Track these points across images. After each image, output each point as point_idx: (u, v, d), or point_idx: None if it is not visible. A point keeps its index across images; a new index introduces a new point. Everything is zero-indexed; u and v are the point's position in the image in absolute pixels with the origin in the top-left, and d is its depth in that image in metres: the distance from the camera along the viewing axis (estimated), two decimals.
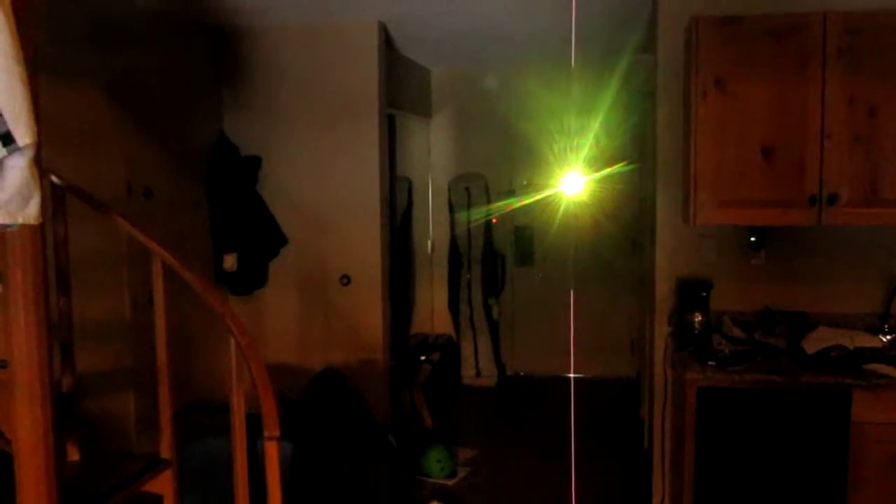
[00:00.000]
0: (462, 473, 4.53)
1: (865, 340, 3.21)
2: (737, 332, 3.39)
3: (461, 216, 6.35)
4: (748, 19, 3.15)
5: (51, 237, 2.75)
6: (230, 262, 4.42)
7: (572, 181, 6.38)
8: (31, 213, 1.66)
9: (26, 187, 1.64)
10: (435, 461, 4.45)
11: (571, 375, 6.37)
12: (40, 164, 1.77)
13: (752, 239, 3.54)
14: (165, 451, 2.76)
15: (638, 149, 5.89)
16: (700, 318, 3.39)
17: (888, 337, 3.34)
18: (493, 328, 6.41)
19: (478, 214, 6.32)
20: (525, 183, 6.43)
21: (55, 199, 2.74)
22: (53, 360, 2.73)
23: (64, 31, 3.34)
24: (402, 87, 5.42)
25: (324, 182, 4.54)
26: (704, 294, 3.45)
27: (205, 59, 4.50)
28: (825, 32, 3.07)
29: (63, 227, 2.77)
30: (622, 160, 6.15)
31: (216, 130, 4.55)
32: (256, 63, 4.55)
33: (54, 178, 2.69)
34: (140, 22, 3.90)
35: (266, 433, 2.36)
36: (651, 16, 4.00)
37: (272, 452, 2.36)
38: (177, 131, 4.21)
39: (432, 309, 6.56)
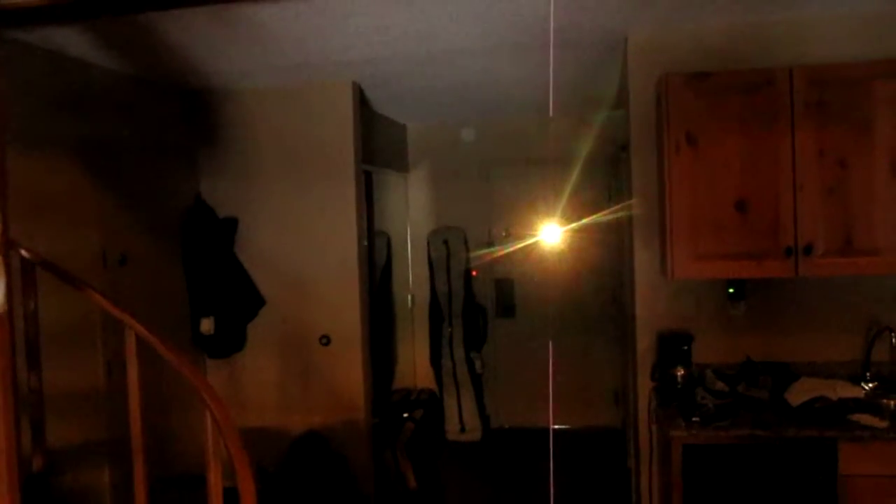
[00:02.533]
0: None
1: (848, 390, 3.20)
2: (720, 386, 3.38)
3: (441, 270, 6.33)
4: (716, 76, 3.19)
5: (20, 311, 2.70)
6: (207, 325, 4.36)
7: (551, 231, 6.40)
8: None
9: None
10: None
11: (550, 428, 6.31)
12: (6, 246, 1.73)
13: (731, 290, 3.55)
14: None
15: (615, 199, 5.92)
16: (682, 373, 3.37)
17: (870, 385, 3.33)
18: (477, 381, 6.34)
19: (457, 267, 6.31)
20: (504, 234, 6.43)
21: (25, 274, 2.70)
22: (23, 438, 2.66)
23: (37, 98, 3.33)
24: (378, 143, 5.44)
25: (301, 241, 4.52)
26: (686, 348, 3.44)
27: (181, 122, 4.50)
28: (792, 87, 3.12)
29: (33, 301, 2.73)
30: (600, 210, 6.18)
31: (193, 193, 4.54)
32: (232, 124, 4.56)
33: (24, 253, 2.66)
34: (115, 87, 3.90)
35: None
36: (622, 73, 4.05)
37: None
38: (153, 195, 4.19)
39: (414, 363, 6.50)
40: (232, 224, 4.51)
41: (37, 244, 2.82)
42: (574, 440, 6.21)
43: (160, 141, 4.30)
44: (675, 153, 3.21)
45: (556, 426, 6.43)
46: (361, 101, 4.67)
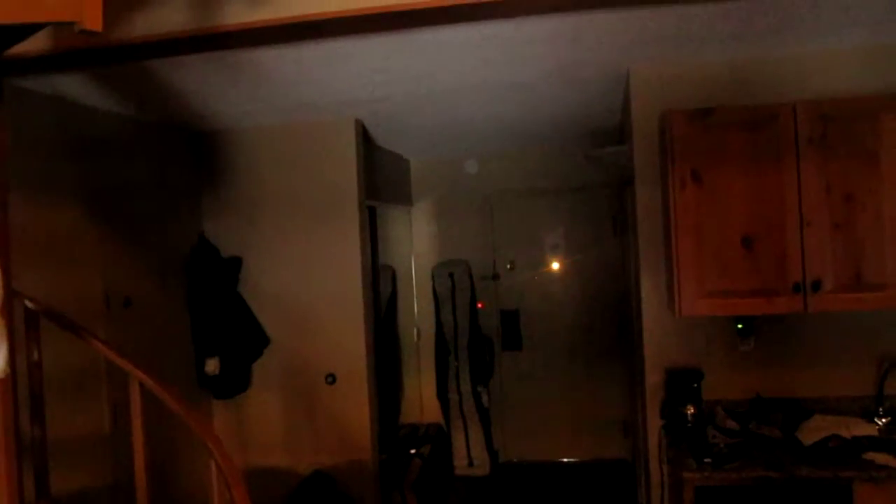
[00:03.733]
0: None
1: (862, 428, 3.15)
2: (731, 424, 3.33)
3: (446, 303, 6.30)
4: (719, 111, 3.19)
5: (24, 361, 2.68)
6: (212, 366, 4.33)
7: (556, 263, 6.39)
8: None
9: None
10: None
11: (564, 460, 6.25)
12: (9, 313, 1.72)
13: (739, 326, 3.51)
14: None
15: (620, 231, 5.91)
16: (693, 411, 3.33)
17: (883, 420, 3.29)
18: (484, 415, 6.29)
19: (462, 300, 6.28)
20: (509, 266, 6.42)
21: (28, 324, 2.68)
22: (27, 489, 2.63)
23: (40, 143, 3.34)
24: (381, 178, 5.45)
25: (306, 279, 4.50)
26: (696, 385, 3.40)
27: (184, 164, 4.51)
28: (796, 122, 3.11)
29: (37, 351, 2.71)
30: (605, 240, 6.18)
31: (196, 233, 4.53)
32: (236, 164, 4.56)
33: (28, 303, 2.64)
34: (118, 130, 3.91)
35: None
36: (624, 107, 4.06)
37: None
38: (156, 237, 4.18)
39: (421, 398, 6.45)
40: (236, 263, 4.50)
41: (40, 289, 2.80)
42: (583, 473, 6.15)
43: (163, 182, 4.30)
44: (680, 189, 3.20)
45: (565, 459, 6.36)
46: (364, 136, 4.68)
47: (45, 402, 2.76)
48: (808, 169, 3.10)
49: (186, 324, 4.37)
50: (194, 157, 4.56)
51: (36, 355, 2.69)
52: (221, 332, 4.36)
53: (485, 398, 6.24)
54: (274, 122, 4.45)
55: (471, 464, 6.27)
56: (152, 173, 4.20)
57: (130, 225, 3.94)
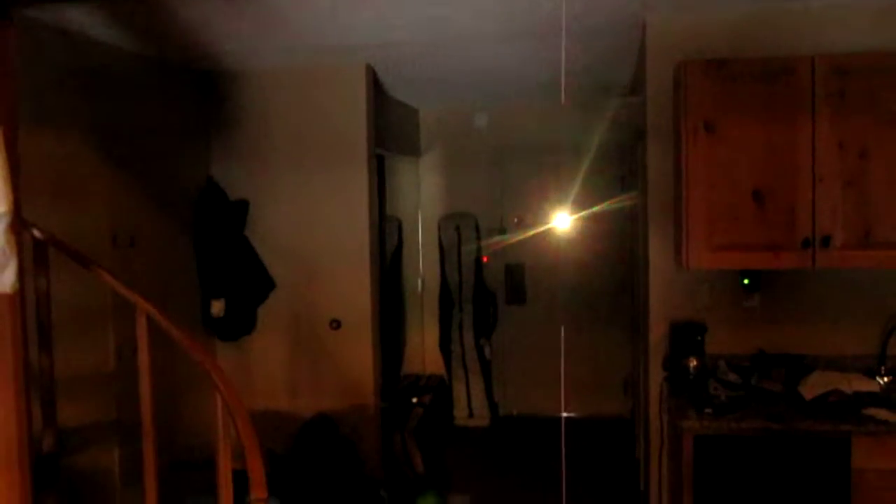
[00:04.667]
0: None
1: (863, 384, 3.16)
2: (732, 377, 3.34)
3: (451, 255, 6.30)
4: (736, 63, 3.14)
5: (32, 291, 2.69)
6: (218, 308, 4.35)
7: (563, 218, 6.37)
8: (6, 282, 1.61)
9: (2, 255, 1.59)
10: None
11: (562, 415, 6.30)
12: (18, 229, 1.72)
13: (746, 282, 3.51)
14: None
15: (630, 187, 5.87)
16: (695, 363, 3.34)
17: (885, 379, 3.30)
18: (486, 368, 6.33)
19: (468, 253, 6.28)
20: (515, 221, 6.40)
21: (37, 254, 2.69)
22: (34, 419, 2.66)
23: (49, 76, 3.31)
24: (390, 127, 5.41)
25: (312, 225, 4.50)
26: (699, 338, 3.41)
27: (192, 104, 4.47)
28: (814, 75, 3.07)
29: (45, 281, 2.72)
30: (614, 198, 6.14)
31: (204, 175, 4.52)
32: (244, 107, 4.53)
33: (36, 233, 2.65)
34: (128, 67, 3.88)
35: (253, 496, 2.28)
36: (639, 57, 4.00)
37: None
38: (164, 177, 4.17)
39: (423, 349, 6.48)
40: (243, 207, 4.50)
41: (47, 225, 2.80)
42: (582, 429, 6.19)
43: (172, 122, 4.28)
44: (693, 141, 3.17)
45: (565, 414, 6.41)
46: (375, 84, 4.63)
47: (52, 333, 2.78)
48: (823, 124, 3.07)
49: (192, 265, 4.38)
50: (203, 98, 4.53)
51: (44, 285, 2.70)
52: (227, 274, 4.38)
53: (487, 351, 6.28)
54: (284, 65, 4.40)
55: (471, 415, 6.33)
56: (160, 112, 4.17)
57: (138, 164, 3.92)
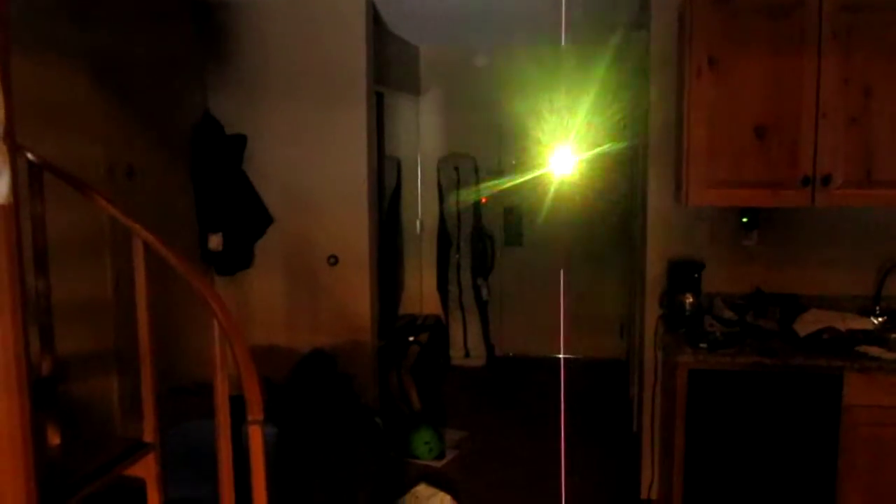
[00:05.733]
0: (450, 455, 4.51)
1: (857, 323, 3.18)
2: (728, 314, 3.36)
3: (450, 196, 6.28)
4: None
5: (28, 217, 2.68)
6: (215, 242, 4.34)
7: (562, 161, 6.33)
8: (0, 192, 1.59)
9: None
10: (423, 443, 4.42)
11: (561, 355, 6.35)
12: (12, 141, 1.69)
13: (744, 220, 3.50)
14: (148, 434, 2.71)
15: (629, 128, 5.83)
16: (691, 300, 3.36)
17: (880, 319, 3.32)
18: (482, 309, 6.37)
19: (467, 194, 6.26)
20: (514, 163, 6.37)
21: (32, 178, 2.66)
22: (32, 343, 2.67)
23: (40, 3, 3.24)
24: (390, 64, 5.33)
25: (310, 160, 4.46)
26: (696, 275, 3.42)
27: (189, 35, 4.39)
28: (821, 10, 3.02)
29: (40, 205, 2.69)
30: (613, 140, 6.10)
31: (201, 108, 4.46)
32: (242, 39, 4.45)
33: (30, 156, 2.61)
34: None
35: (250, 417, 2.31)
36: None
37: (256, 437, 2.32)
38: (160, 109, 4.11)
39: (421, 290, 6.51)
40: (241, 141, 4.45)
41: (42, 154, 2.77)
42: (577, 370, 6.26)
43: (168, 53, 4.19)
44: (696, 76, 3.13)
45: (560, 355, 6.47)
46: (374, 19, 4.55)
47: (48, 258, 2.77)
48: (829, 60, 3.04)
49: (190, 199, 4.35)
50: (199, 29, 4.44)
51: (39, 209, 2.67)
52: (225, 208, 4.35)
53: (484, 291, 6.31)
54: None
55: (467, 355, 6.39)
56: (156, 42, 4.08)
57: (134, 95, 3.86)
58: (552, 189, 6.38)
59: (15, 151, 1.87)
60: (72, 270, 3.31)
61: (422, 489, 3.89)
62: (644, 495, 3.83)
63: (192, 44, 4.40)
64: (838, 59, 3.03)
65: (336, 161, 4.44)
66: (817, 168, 3.06)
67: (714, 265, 3.53)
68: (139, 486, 2.71)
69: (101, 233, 3.51)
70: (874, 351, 2.91)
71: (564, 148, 6.30)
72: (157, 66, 4.07)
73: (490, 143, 6.34)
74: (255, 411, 2.31)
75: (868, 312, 3.36)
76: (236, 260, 4.46)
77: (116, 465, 2.59)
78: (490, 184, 6.35)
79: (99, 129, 3.64)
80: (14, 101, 2.20)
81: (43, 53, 3.25)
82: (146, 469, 2.71)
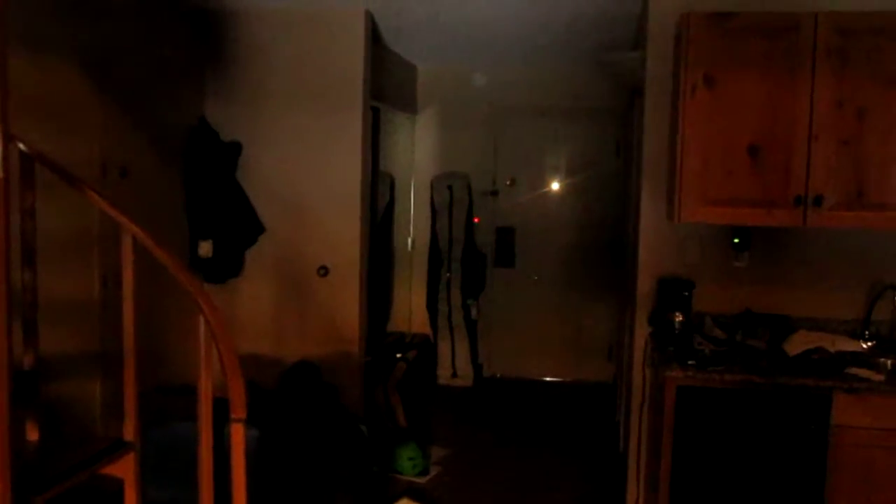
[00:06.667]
0: (434, 472, 4.46)
1: (847, 344, 3.17)
2: (717, 333, 3.36)
3: (443, 215, 6.28)
4: (740, 16, 3.11)
5: (17, 209, 2.66)
6: (206, 248, 4.32)
7: (556, 182, 6.36)
8: None
9: None
10: (407, 458, 4.37)
11: (549, 379, 6.32)
12: (5, 127, 1.68)
13: (736, 241, 3.51)
14: (129, 433, 2.67)
15: (624, 150, 5.86)
16: (681, 318, 3.34)
17: (869, 343, 3.31)
18: (472, 328, 6.34)
19: (459, 213, 6.26)
20: (508, 183, 6.38)
21: (23, 168, 2.64)
22: (14, 335, 2.63)
23: (41, 1, 3.25)
24: (388, 80, 5.36)
25: (305, 170, 4.46)
26: (686, 294, 3.41)
27: (188, 41, 4.41)
28: (816, 33, 3.05)
29: (31, 197, 2.67)
30: (608, 162, 6.14)
31: (197, 114, 4.46)
32: (241, 47, 4.47)
33: (22, 146, 2.60)
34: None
35: (232, 415, 2.28)
36: (642, 12, 3.97)
37: (238, 435, 2.28)
38: (156, 112, 4.11)
39: (410, 308, 6.48)
40: (235, 148, 4.46)
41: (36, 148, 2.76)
42: (565, 393, 6.24)
43: (167, 58, 4.20)
44: (692, 94, 3.15)
45: (548, 378, 6.44)
46: (374, 36, 4.58)
47: (36, 250, 2.74)
48: (823, 82, 3.06)
49: (182, 204, 4.33)
50: (198, 36, 4.46)
51: (30, 201, 2.66)
52: (216, 215, 4.34)
53: (474, 312, 6.29)
54: (281, 6, 4.33)
55: (454, 375, 6.35)
56: (155, 46, 4.09)
57: (131, 97, 3.86)
58: (546, 211, 6.40)
59: (8, 140, 1.86)
60: (59, 268, 3.28)
61: (404, 503, 3.84)
62: None
63: (190, 49, 4.42)
64: (832, 81, 3.05)
65: (330, 172, 4.44)
66: (809, 188, 3.07)
67: (704, 285, 3.53)
68: (117, 487, 2.67)
69: (89, 231, 3.49)
70: (863, 373, 2.90)
71: (559, 169, 6.34)
72: (154, 68, 4.08)
73: (485, 163, 6.36)
74: (237, 410, 2.28)
75: (857, 336, 3.36)
76: (226, 267, 4.44)
77: (94, 464, 2.54)
78: (484, 203, 6.36)
79: (94, 127, 3.63)
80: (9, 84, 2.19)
81: (38, 50, 3.25)
82: (125, 469, 2.67)
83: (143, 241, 2.59)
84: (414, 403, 5.28)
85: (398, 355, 5.47)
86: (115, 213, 2.61)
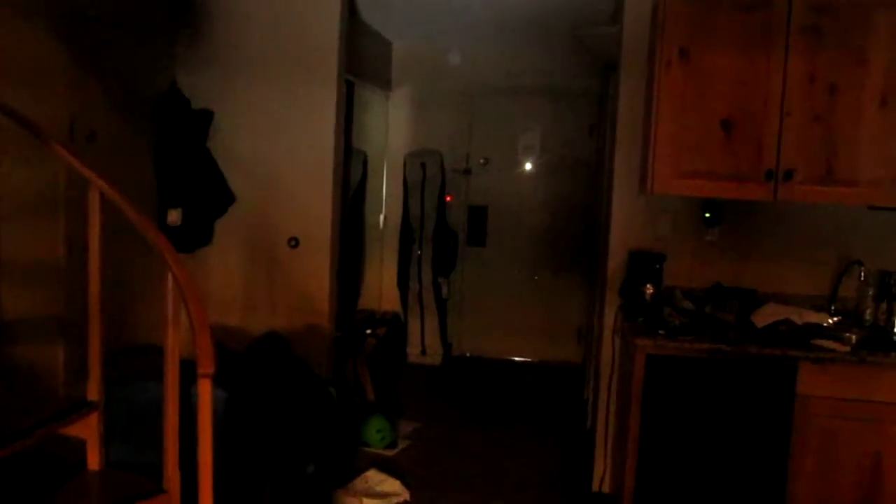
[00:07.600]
0: (402, 445, 4.46)
1: (814, 317, 3.21)
2: (687, 305, 3.38)
3: (415, 192, 6.26)
4: None
5: None
6: (174, 217, 4.25)
7: (529, 162, 6.36)
8: None
9: None
10: (375, 431, 4.36)
11: (518, 359, 6.34)
12: None
13: (707, 215, 3.54)
14: (93, 393, 2.62)
15: (598, 131, 5.88)
16: (651, 290, 3.36)
17: (834, 319, 3.35)
18: (441, 307, 6.34)
19: (432, 191, 6.25)
20: (482, 161, 6.38)
21: None
22: None
23: None
24: (363, 55, 5.31)
25: (277, 141, 4.40)
26: (657, 266, 3.43)
27: (160, 4, 4.32)
28: (790, 9, 3.07)
29: None
30: (581, 143, 6.15)
31: (168, 80, 4.38)
32: (214, 13, 4.39)
33: None
34: None
35: (200, 371, 2.24)
36: None
37: (205, 390, 2.25)
38: (127, 75, 4.02)
39: (381, 285, 6.46)
40: (206, 116, 4.38)
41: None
42: (533, 372, 6.26)
43: (138, 21, 4.12)
44: (667, 67, 3.16)
45: (517, 358, 6.46)
46: (350, 9, 4.53)
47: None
48: (796, 57, 3.08)
49: (151, 171, 4.26)
50: (172, 0, 4.38)
51: None
52: (186, 184, 4.27)
53: (444, 290, 6.29)
54: None
55: (424, 352, 6.35)
56: (128, 9, 4.02)
57: (100, 59, 3.77)
58: (519, 190, 6.40)
59: None
60: (23, 231, 3.21)
61: (372, 474, 3.83)
62: (595, 488, 3.82)
63: (163, 13, 4.33)
64: (805, 57, 3.08)
65: (302, 144, 4.38)
66: (780, 163, 3.10)
67: (675, 258, 3.56)
68: (79, 449, 2.62)
69: (56, 193, 3.41)
70: (829, 344, 2.94)
71: (533, 149, 6.34)
72: (126, 32, 3.99)
73: (458, 142, 6.36)
74: (205, 364, 2.24)
75: (824, 311, 3.39)
76: (195, 236, 4.38)
77: (57, 422, 2.50)
78: (456, 182, 6.35)
79: (63, 89, 3.54)
80: None
81: (3, 11, 3.16)
82: (88, 429, 2.63)
83: (110, 195, 2.54)
84: (383, 378, 5.28)
85: (368, 331, 5.46)
86: (81, 168, 2.56)
